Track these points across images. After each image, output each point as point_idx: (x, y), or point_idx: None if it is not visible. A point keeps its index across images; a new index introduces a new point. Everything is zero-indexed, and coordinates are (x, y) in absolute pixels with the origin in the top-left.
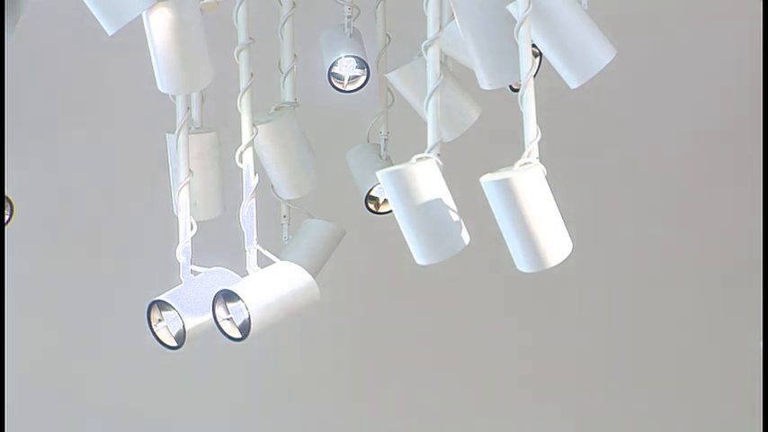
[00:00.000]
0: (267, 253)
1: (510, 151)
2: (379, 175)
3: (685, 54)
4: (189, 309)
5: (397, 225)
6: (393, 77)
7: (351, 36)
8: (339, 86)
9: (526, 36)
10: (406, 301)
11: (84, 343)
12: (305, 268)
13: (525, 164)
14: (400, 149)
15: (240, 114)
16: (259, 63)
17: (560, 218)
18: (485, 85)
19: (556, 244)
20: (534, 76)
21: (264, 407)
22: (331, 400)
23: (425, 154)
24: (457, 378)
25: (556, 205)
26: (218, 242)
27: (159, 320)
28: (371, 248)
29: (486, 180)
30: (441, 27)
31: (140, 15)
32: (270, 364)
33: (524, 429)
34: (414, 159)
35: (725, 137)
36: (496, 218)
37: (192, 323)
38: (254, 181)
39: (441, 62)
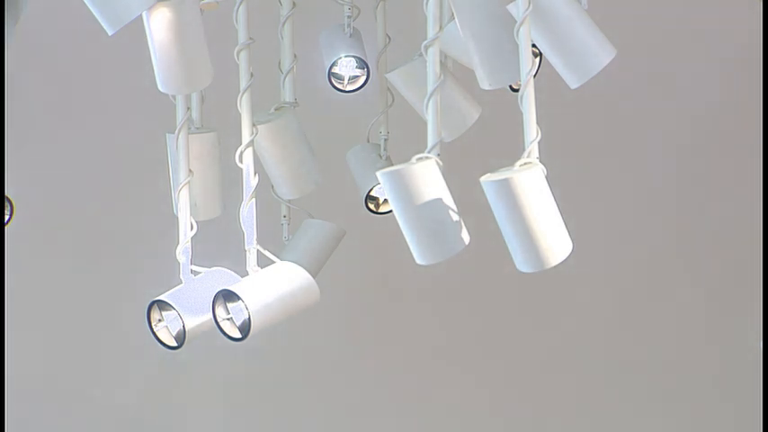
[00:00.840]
0: (267, 253)
1: (510, 151)
2: (379, 175)
3: (685, 54)
4: (189, 309)
5: (397, 225)
6: (393, 77)
7: (351, 36)
8: (339, 86)
9: (526, 36)
10: (406, 301)
11: (84, 343)
12: (305, 268)
13: (525, 164)
14: (400, 149)
15: (240, 114)
16: (259, 63)
17: (560, 218)
18: (485, 85)
19: (556, 244)
20: (534, 76)
21: (264, 407)
22: (331, 400)
23: (425, 154)
24: (457, 377)
25: (556, 205)
26: (218, 242)
27: (159, 320)
28: (371, 248)
29: (486, 180)
30: (441, 27)
31: (140, 15)
32: (270, 364)
33: (524, 429)
34: (414, 159)
35: (725, 137)
36: (496, 218)
37: (191, 323)
38: (254, 181)
39: (441, 62)
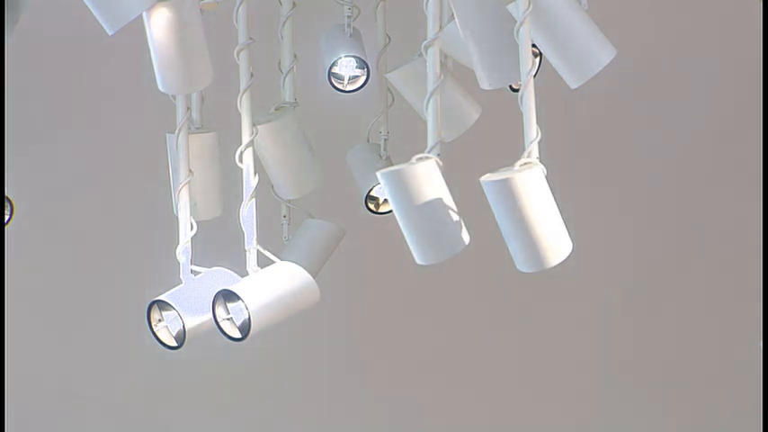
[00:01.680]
0: (267, 253)
1: (510, 151)
2: (379, 175)
3: (685, 54)
4: (189, 309)
5: (397, 225)
6: (393, 77)
7: (351, 36)
8: (339, 86)
9: (526, 36)
10: (406, 301)
11: (84, 343)
12: (305, 268)
13: (525, 164)
14: (400, 149)
15: (240, 114)
16: (259, 63)
17: (560, 218)
18: (485, 85)
19: (556, 244)
20: (534, 76)
21: (264, 407)
22: (331, 400)
23: (425, 154)
24: (457, 377)
25: (556, 205)
26: (218, 242)
27: (159, 320)
28: (371, 248)
29: (486, 180)
30: (441, 27)
31: (140, 15)
32: (270, 364)
33: (524, 428)
34: (414, 159)
35: (725, 137)
36: (496, 218)
37: (191, 323)
38: (254, 181)
39: (441, 62)
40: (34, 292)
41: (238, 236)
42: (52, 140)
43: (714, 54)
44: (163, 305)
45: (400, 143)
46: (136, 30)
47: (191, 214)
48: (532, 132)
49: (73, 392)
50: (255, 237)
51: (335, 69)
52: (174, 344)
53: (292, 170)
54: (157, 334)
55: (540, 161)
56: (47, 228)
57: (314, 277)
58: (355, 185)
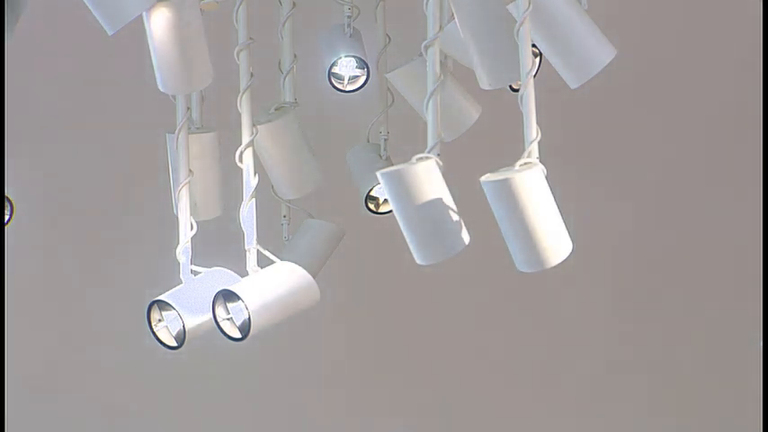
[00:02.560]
0: (267, 253)
1: (510, 151)
2: (379, 175)
3: (685, 54)
4: (189, 309)
5: (397, 225)
6: (393, 77)
7: (351, 36)
8: (339, 86)
9: (526, 36)
10: (406, 301)
11: (84, 343)
12: (305, 268)
13: (525, 164)
14: (400, 149)
15: (240, 114)
16: (259, 63)
17: (560, 218)
18: (485, 85)
19: (556, 244)
20: (534, 76)
21: (264, 407)
22: (331, 400)
23: (425, 154)
24: (457, 377)
25: (556, 205)
26: (218, 242)
27: (159, 320)
28: (371, 248)
29: (486, 180)
30: (441, 27)
31: (140, 15)
32: (269, 365)
33: (524, 428)
34: (414, 159)
35: (725, 137)
36: (496, 218)
37: (191, 323)
38: (254, 181)
39: (441, 62)
40: (34, 292)
41: (238, 236)
42: (52, 140)
43: (714, 54)
44: (163, 305)
45: (400, 143)
46: (136, 30)
47: (191, 214)
48: (532, 132)
49: (73, 392)
50: (255, 237)
51: (335, 69)
52: (174, 344)
53: (292, 170)
54: (157, 334)
55: (540, 161)
56: (47, 228)
57: (314, 277)
58: (355, 185)
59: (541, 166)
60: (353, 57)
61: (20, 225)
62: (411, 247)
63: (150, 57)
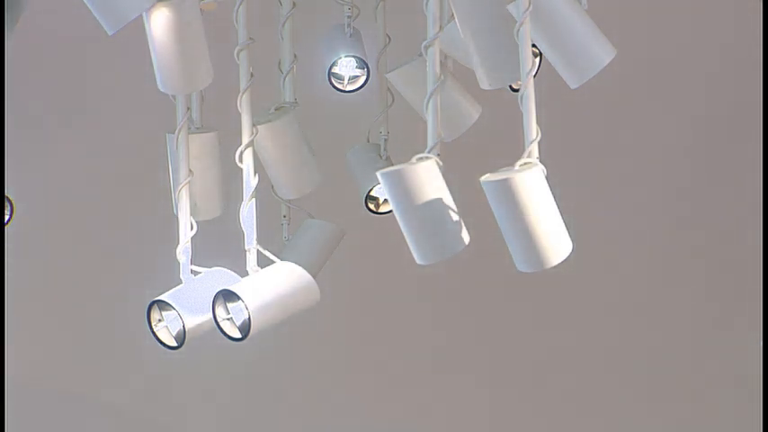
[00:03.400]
0: (267, 253)
1: (510, 151)
2: (379, 175)
3: (685, 54)
4: (189, 309)
5: (397, 225)
6: (393, 77)
7: (351, 36)
8: (339, 86)
9: (526, 36)
10: (407, 301)
11: (84, 343)
12: (305, 268)
13: (525, 164)
14: (400, 149)
15: (240, 114)
16: (259, 63)
17: (560, 218)
18: (485, 85)
19: (556, 244)
20: (534, 76)
21: (264, 407)
22: (331, 400)
23: (425, 154)
24: (457, 377)
25: (556, 205)
26: (218, 242)
27: (159, 320)
28: (371, 248)
29: (486, 180)
30: (441, 27)
31: (140, 15)
32: (269, 364)
33: (524, 428)
34: (414, 159)
35: (725, 137)
36: (496, 218)
37: (191, 323)
38: (254, 181)
39: (441, 62)
40: (34, 292)
41: (238, 236)
42: (52, 140)
43: (714, 54)
44: (163, 305)
45: (400, 143)
46: (136, 30)
47: (191, 214)
48: (532, 132)
49: (73, 392)
50: (255, 237)
51: (335, 69)
52: (174, 344)
53: (292, 170)
54: (157, 334)
55: (540, 161)
56: (47, 228)
57: (314, 277)
58: (355, 185)
59: (541, 166)
60: (353, 57)
61: (20, 225)
62: (411, 247)
63: (150, 57)
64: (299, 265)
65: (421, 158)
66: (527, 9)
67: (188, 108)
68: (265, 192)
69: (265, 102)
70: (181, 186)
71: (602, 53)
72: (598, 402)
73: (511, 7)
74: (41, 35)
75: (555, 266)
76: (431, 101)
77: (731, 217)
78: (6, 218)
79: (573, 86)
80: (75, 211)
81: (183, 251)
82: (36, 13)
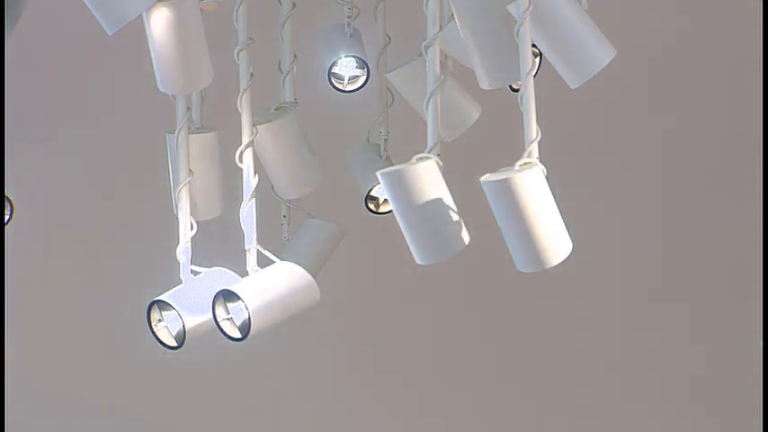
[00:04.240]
0: (267, 253)
1: (510, 151)
2: (379, 175)
3: (685, 54)
4: (189, 309)
5: (397, 225)
6: (393, 77)
7: (351, 36)
8: (339, 86)
9: (526, 36)
10: (407, 301)
11: (84, 343)
12: (305, 268)
13: (525, 164)
14: (400, 149)
15: (240, 114)
16: (259, 63)
17: (560, 218)
18: (485, 85)
19: (556, 244)
20: (534, 76)
21: (264, 407)
22: (331, 401)
23: (425, 154)
24: (457, 377)
25: (556, 205)
26: (219, 242)
27: (159, 320)
28: (371, 248)
29: (486, 180)
30: (441, 27)
31: (140, 15)
32: (269, 364)
33: (524, 428)
34: (414, 159)
35: (725, 136)
36: (496, 218)
37: (191, 323)
38: (254, 181)
39: (441, 62)
40: (34, 292)
41: (238, 236)
42: (52, 140)
43: (714, 54)
44: (163, 305)
45: (400, 143)
46: (136, 30)
47: (191, 214)
48: (532, 132)
49: (73, 392)
50: (255, 237)
51: (335, 69)
52: (174, 344)
53: (292, 170)
54: (157, 334)
55: (540, 161)
56: (47, 228)
57: (314, 277)
58: (355, 185)
59: (541, 166)
60: (353, 57)
61: (20, 225)
62: (411, 247)
63: (150, 57)
64: (299, 265)
65: (421, 158)
66: (527, 9)
67: (188, 108)
68: (265, 192)
69: (265, 102)
70: (181, 186)
71: (602, 53)
72: (598, 402)
73: (511, 7)
74: (41, 35)
75: (555, 266)
76: (431, 101)
77: (731, 217)
78: (6, 218)
79: (573, 86)
80: (75, 211)
81: (183, 251)
82: (36, 12)
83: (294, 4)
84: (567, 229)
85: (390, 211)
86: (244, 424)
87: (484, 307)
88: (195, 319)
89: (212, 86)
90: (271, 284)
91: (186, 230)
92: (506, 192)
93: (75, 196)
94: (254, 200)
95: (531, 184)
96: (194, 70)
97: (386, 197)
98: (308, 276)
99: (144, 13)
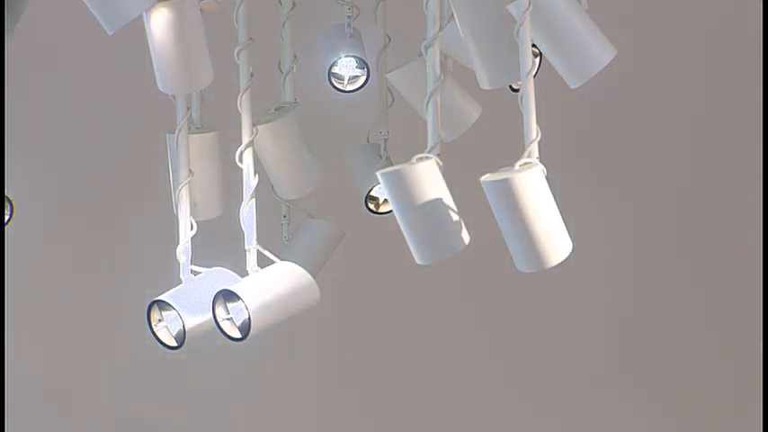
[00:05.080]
0: (267, 253)
1: (510, 151)
2: (379, 175)
3: (685, 54)
4: (189, 309)
5: (397, 225)
6: (393, 77)
7: (351, 36)
8: (339, 86)
9: (526, 36)
10: (407, 301)
11: (84, 343)
12: (305, 268)
13: (525, 164)
14: (400, 149)
15: (240, 114)
16: (259, 63)
17: (560, 218)
18: (485, 85)
19: (556, 244)
20: (534, 76)
21: (264, 407)
22: (331, 400)
23: (425, 154)
24: (457, 377)
25: (556, 205)
26: (219, 242)
27: (159, 320)
28: (371, 248)
29: (486, 180)
30: (441, 27)
31: (140, 15)
32: (269, 365)
33: (524, 428)
34: (414, 159)
35: (725, 137)
36: (496, 218)
37: (191, 323)
38: (254, 181)
39: (441, 62)
40: (34, 292)
41: (238, 236)
42: (52, 140)
43: (714, 54)
44: (163, 305)
45: (400, 143)
46: (136, 30)
47: (191, 214)
48: (532, 132)
49: (73, 392)
50: (255, 237)
51: (335, 69)
52: (174, 344)
53: (292, 170)
54: (157, 334)
55: (540, 161)
56: (47, 228)
57: (314, 277)
58: (355, 185)
59: (541, 166)
60: (353, 57)
61: (20, 225)
62: (411, 247)
63: (150, 57)
64: (299, 265)
65: (421, 158)
66: (527, 9)
67: (188, 108)
68: (265, 192)
69: (265, 102)
70: (181, 186)
71: (602, 53)
72: (598, 402)
73: (511, 7)
74: (41, 35)
75: (555, 266)
76: (431, 101)
77: (731, 217)
78: (6, 218)
79: (573, 86)
80: (74, 212)
81: (183, 251)
82: (36, 12)
83: (294, 4)
84: (567, 229)
85: (390, 211)
86: (244, 424)
87: (484, 307)
88: (195, 319)
89: (212, 86)
90: (271, 284)
91: (186, 230)
92: (506, 192)
93: (76, 196)
94: (254, 200)
95: (531, 184)
96: (194, 70)
97: (386, 197)
98: (308, 276)
99: (144, 13)
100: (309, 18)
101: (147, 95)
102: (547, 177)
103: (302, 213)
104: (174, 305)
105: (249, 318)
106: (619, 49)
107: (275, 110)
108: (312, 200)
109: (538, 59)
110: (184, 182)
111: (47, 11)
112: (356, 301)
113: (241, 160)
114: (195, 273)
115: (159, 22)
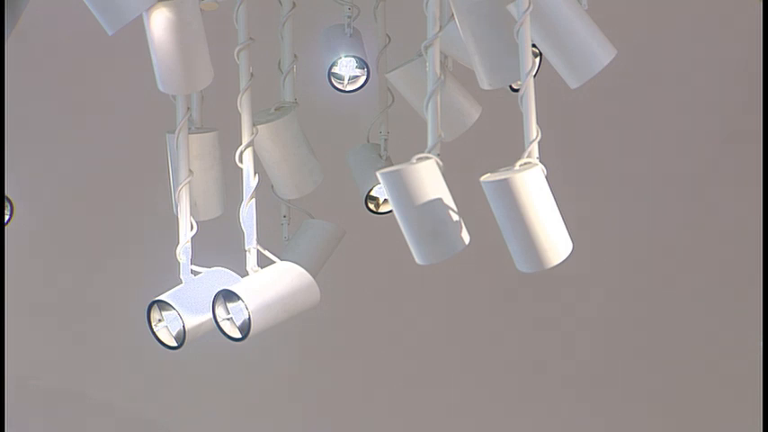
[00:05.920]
0: (267, 253)
1: (510, 151)
2: (379, 175)
3: (685, 54)
4: (189, 309)
5: (397, 225)
6: (393, 77)
7: (351, 36)
8: (339, 86)
9: (526, 36)
10: (407, 301)
11: (85, 343)
12: (305, 268)
13: (525, 164)
14: (400, 149)
15: (240, 114)
16: (259, 63)
17: (560, 218)
18: (485, 85)
19: (556, 244)
20: (534, 76)
21: (264, 407)
22: (331, 400)
23: (425, 154)
24: (457, 377)
25: (556, 205)
26: (218, 242)
27: (159, 320)
28: (371, 248)
29: (486, 180)
30: (441, 27)
31: (140, 15)
32: (269, 364)
33: (523, 428)
34: (414, 159)
35: (725, 137)
36: (496, 218)
37: (191, 323)
38: (254, 181)
39: (441, 62)
40: (34, 292)
41: (238, 236)
42: (52, 140)
43: (714, 54)
44: (163, 305)
45: (400, 143)
46: (136, 30)
47: (191, 214)
48: (532, 132)
49: (73, 392)
50: (255, 237)
51: (335, 69)
52: (174, 344)
53: (292, 170)
54: (157, 334)
55: (541, 161)
56: (47, 228)
57: (314, 277)
58: (355, 185)
59: (541, 166)
60: (353, 57)
61: (20, 225)
62: (411, 247)
63: (150, 57)
64: (299, 264)
65: (421, 158)
66: (527, 9)
67: (188, 108)
68: (265, 192)
69: (265, 102)
70: (181, 186)
71: (602, 53)
72: (598, 402)
73: (511, 7)
74: (41, 35)
75: (555, 266)
76: (431, 101)
77: (731, 217)
78: (6, 218)
79: (573, 86)
80: (75, 211)
81: (183, 251)
82: (36, 12)
83: (294, 4)
84: (567, 229)
85: (390, 211)
86: (243, 424)
87: (484, 307)
88: (195, 319)
89: (212, 86)
90: (271, 284)
91: (186, 230)
92: (506, 192)
93: (76, 196)
94: (254, 200)
95: (531, 184)
96: (194, 70)
97: (386, 197)
98: (308, 276)
99: (144, 14)
100: (309, 18)
101: (146, 95)
102: (547, 177)
103: (302, 213)
104: (174, 305)
105: (249, 318)
106: (619, 49)
107: (275, 110)
108: (312, 200)
109: (538, 59)
110: (184, 182)
111: (47, 11)
112: (356, 301)
113: (241, 160)
114: (195, 273)
115: (159, 22)
